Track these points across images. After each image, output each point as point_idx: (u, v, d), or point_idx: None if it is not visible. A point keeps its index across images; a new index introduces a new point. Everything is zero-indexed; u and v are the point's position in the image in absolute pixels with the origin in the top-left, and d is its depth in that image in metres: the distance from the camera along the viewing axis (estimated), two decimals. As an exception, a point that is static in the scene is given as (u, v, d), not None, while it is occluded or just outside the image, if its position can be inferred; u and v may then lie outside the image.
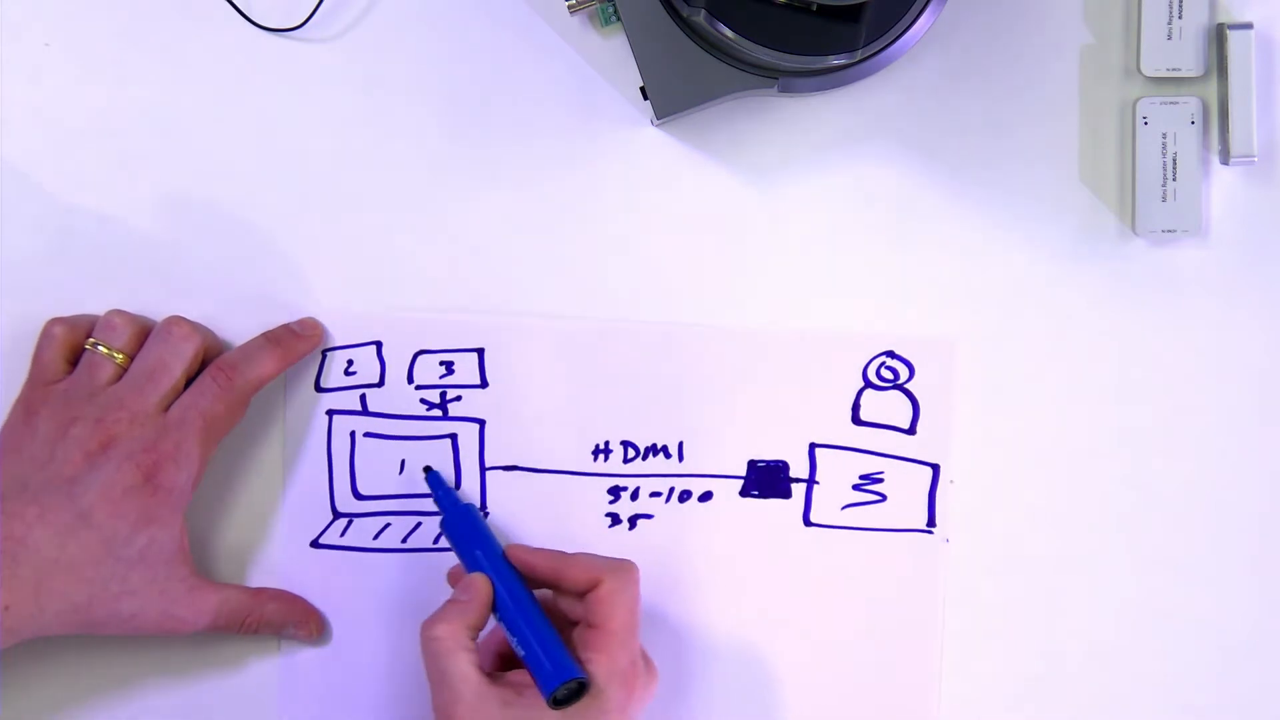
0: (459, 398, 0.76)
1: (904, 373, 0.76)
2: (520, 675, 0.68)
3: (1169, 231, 0.75)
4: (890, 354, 0.76)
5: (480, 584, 0.69)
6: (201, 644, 0.75)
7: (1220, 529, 0.77)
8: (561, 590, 0.70)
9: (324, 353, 0.75)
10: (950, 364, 0.76)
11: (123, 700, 0.75)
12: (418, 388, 0.76)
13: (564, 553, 0.70)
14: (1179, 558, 0.76)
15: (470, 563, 0.71)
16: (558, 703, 0.66)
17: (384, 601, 0.75)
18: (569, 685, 0.66)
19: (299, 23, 0.75)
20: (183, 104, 0.75)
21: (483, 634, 0.69)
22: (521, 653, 0.68)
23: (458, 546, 0.72)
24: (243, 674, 0.75)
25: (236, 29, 0.75)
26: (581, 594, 0.69)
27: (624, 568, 0.69)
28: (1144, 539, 0.77)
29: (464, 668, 0.66)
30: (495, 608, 0.69)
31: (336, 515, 0.76)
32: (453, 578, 0.72)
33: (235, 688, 0.75)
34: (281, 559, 0.75)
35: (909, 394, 0.76)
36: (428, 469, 0.75)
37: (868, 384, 0.76)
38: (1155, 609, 0.76)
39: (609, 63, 0.76)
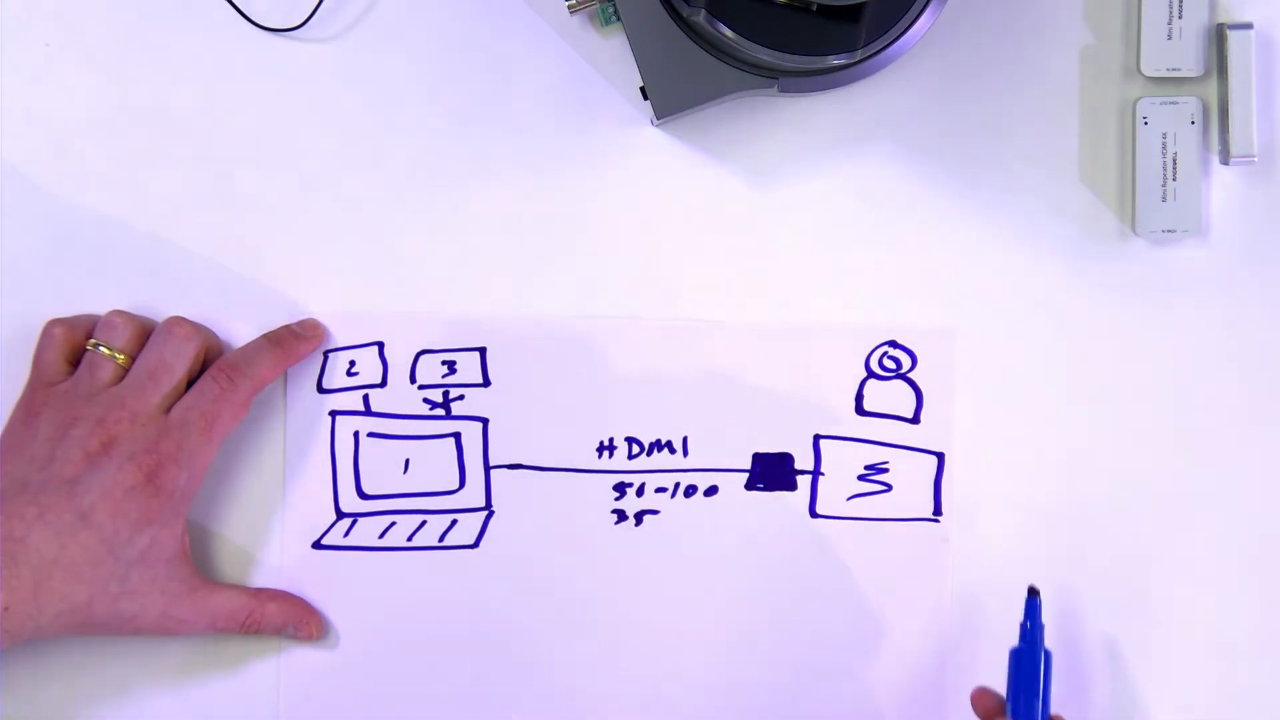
0: (462, 397, 0.76)
1: (906, 362, 0.76)
2: None
3: (1169, 231, 0.75)
4: (892, 343, 0.76)
5: None
6: (201, 644, 0.75)
7: (1220, 528, 0.77)
8: None
9: (326, 354, 0.75)
10: (952, 352, 0.76)
11: (123, 701, 0.75)
12: (420, 387, 0.76)
13: None
14: (1178, 557, 0.76)
15: (1014, 705, 0.69)
16: None
17: (385, 601, 0.75)
18: None
19: (299, 23, 0.75)
20: (183, 104, 0.75)
21: None
22: None
23: (1013, 681, 0.70)
24: (243, 674, 0.75)
25: (236, 29, 0.75)
26: None
27: None
28: (1142, 539, 0.77)
29: None
30: None
31: (340, 515, 0.75)
32: (977, 699, 0.71)
33: (235, 688, 0.75)
34: (283, 560, 0.75)
35: (912, 383, 0.76)
36: (1033, 590, 0.71)
37: (870, 374, 0.76)
38: (1153, 607, 0.76)
39: (609, 63, 0.76)
